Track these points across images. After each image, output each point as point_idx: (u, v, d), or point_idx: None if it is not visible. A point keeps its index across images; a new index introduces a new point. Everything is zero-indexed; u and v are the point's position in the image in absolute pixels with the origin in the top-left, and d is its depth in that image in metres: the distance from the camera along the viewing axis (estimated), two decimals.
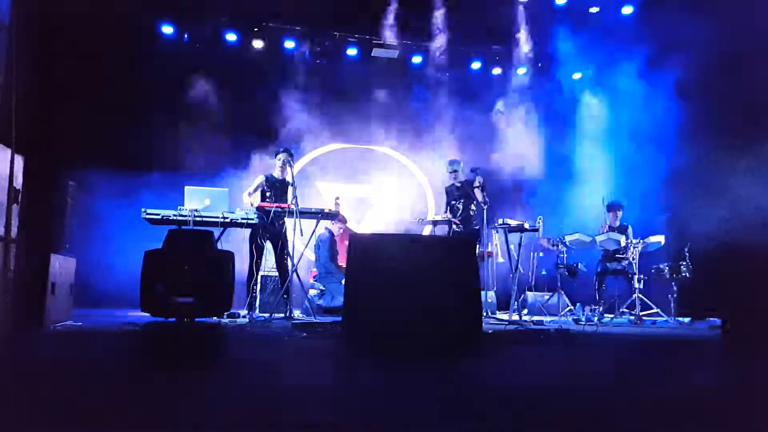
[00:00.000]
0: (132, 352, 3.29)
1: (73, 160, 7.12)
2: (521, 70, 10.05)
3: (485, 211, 6.00)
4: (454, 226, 6.34)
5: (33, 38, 4.78)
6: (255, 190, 5.90)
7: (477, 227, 6.22)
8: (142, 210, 5.38)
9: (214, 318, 5.10)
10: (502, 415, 1.78)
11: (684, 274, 6.28)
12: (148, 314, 4.05)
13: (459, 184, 6.47)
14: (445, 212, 6.58)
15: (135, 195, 7.34)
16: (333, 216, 6.14)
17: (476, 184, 6.12)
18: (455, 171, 6.50)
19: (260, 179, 5.95)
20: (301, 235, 5.39)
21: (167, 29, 8.66)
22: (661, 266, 6.52)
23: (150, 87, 7.97)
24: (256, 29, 8.97)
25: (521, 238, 6.59)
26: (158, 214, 5.37)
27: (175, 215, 5.39)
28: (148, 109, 7.94)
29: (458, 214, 6.41)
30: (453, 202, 6.51)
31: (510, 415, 1.78)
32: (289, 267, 5.61)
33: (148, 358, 2.96)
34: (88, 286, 6.55)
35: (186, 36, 8.80)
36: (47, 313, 4.03)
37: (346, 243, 6.56)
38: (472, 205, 6.32)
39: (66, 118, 6.69)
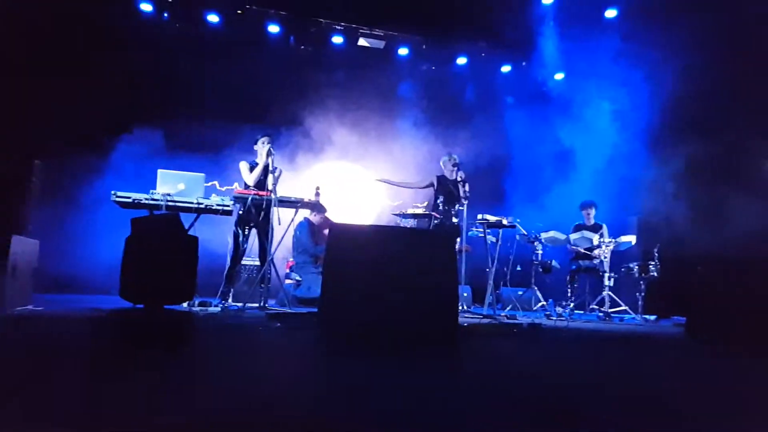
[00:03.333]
0: (93, 338, 3.19)
1: (41, 139, 6.86)
2: (505, 68, 10.13)
3: (465, 207, 6.02)
4: (435, 221, 6.33)
5: None
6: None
7: (458, 222, 6.23)
8: (112, 192, 5.16)
9: (185, 305, 5.00)
10: (478, 405, 1.78)
11: (652, 274, 6.45)
12: (119, 299, 3.95)
13: (453, 179, 6.44)
14: (436, 203, 6.53)
15: (105, 177, 7.13)
16: (313, 206, 6.07)
17: (459, 178, 6.12)
18: (456, 165, 6.40)
19: (244, 165, 5.84)
20: (279, 223, 5.31)
21: (146, 7, 8.40)
22: (631, 265, 6.67)
23: (126, 67, 7.70)
24: (239, 11, 8.77)
25: (499, 233, 6.66)
26: (129, 197, 5.18)
27: (146, 199, 5.19)
28: (123, 91, 7.68)
29: (444, 208, 6.40)
30: (442, 197, 6.45)
31: (486, 406, 1.78)
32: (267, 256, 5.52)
33: (112, 345, 2.88)
34: (52, 270, 6.33)
35: (166, 15, 8.55)
36: (5, 297, 3.86)
37: (326, 233, 6.54)
38: (461, 200, 6.28)
39: (34, 97, 6.43)
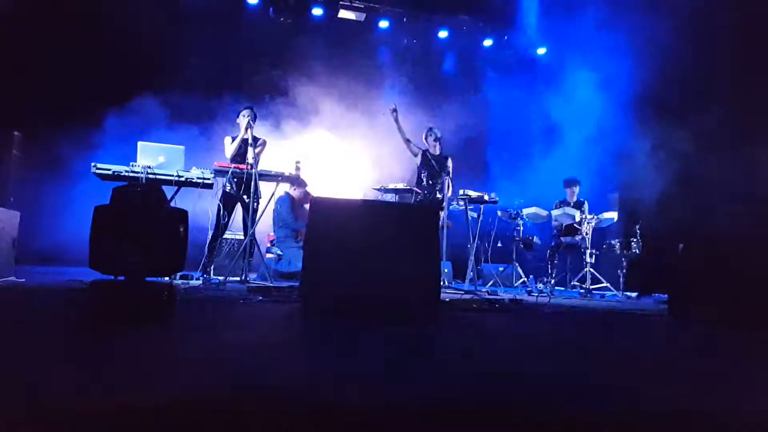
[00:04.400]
0: (72, 309, 3.15)
1: (21, 110, 6.70)
2: (487, 42, 10.04)
3: (447, 182, 6.02)
4: (418, 197, 6.32)
5: None
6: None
7: (441, 197, 6.23)
8: (92, 164, 5.10)
9: (166, 278, 4.96)
10: (456, 375, 1.80)
11: (634, 251, 6.53)
12: (97, 272, 3.88)
13: (436, 154, 6.43)
14: (419, 178, 6.52)
15: (86, 148, 7.00)
16: (293, 180, 6.03)
17: (449, 163, 6.18)
18: (438, 140, 6.42)
19: (227, 139, 5.82)
20: (260, 197, 5.27)
21: None
22: (613, 242, 6.75)
23: (105, 37, 7.48)
24: None
25: (480, 209, 6.68)
26: (109, 170, 5.11)
27: (127, 171, 5.14)
28: (101, 61, 7.48)
29: (428, 183, 6.40)
30: (424, 172, 6.46)
31: (467, 376, 1.80)
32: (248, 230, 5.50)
33: (90, 316, 2.84)
34: (33, 242, 6.27)
35: None
36: None
37: (306, 207, 6.50)
38: (443, 175, 6.27)
39: (13, 66, 6.26)
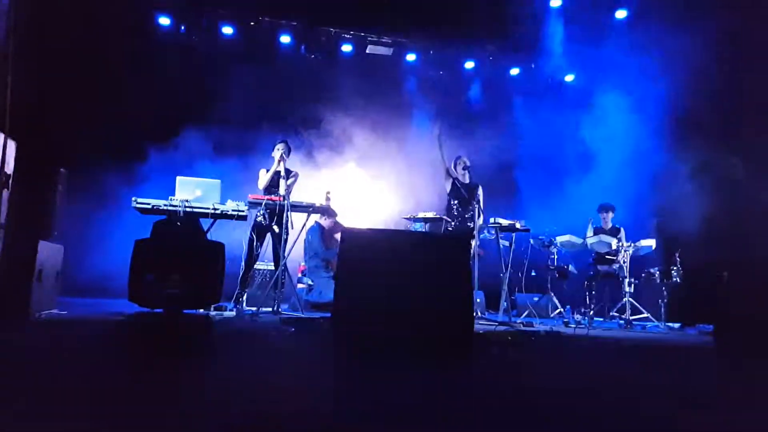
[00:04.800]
0: (118, 342, 3.22)
1: (66, 146, 7.02)
2: (514, 71, 10.09)
3: (477, 210, 5.98)
4: (448, 225, 6.29)
5: (31, 21, 4.68)
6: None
7: (471, 226, 6.16)
8: (133, 199, 5.29)
9: (202, 311, 5.03)
10: (494, 416, 1.75)
11: (675, 279, 6.30)
12: (135, 304, 3.98)
13: (467, 183, 6.42)
14: (450, 206, 6.50)
15: (126, 184, 7.28)
16: (324, 210, 6.10)
17: (480, 192, 6.18)
18: (467, 168, 6.42)
19: (262, 171, 5.99)
20: (291, 227, 5.36)
21: (164, 20, 8.63)
22: (652, 270, 6.53)
23: (149, 76, 7.88)
24: (252, 23, 8.93)
25: (512, 237, 6.58)
26: (148, 204, 5.29)
27: (165, 205, 5.30)
28: (145, 101, 7.83)
29: (459, 211, 6.37)
30: (455, 201, 6.44)
31: (503, 416, 1.75)
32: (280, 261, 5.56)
33: (135, 349, 2.90)
34: (75, 275, 6.49)
35: (182, 28, 8.76)
36: (32, 301, 3.94)
37: (337, 237, 6.54)
38: (473, 203, 6.23)
39: (61, 104, 6.58)
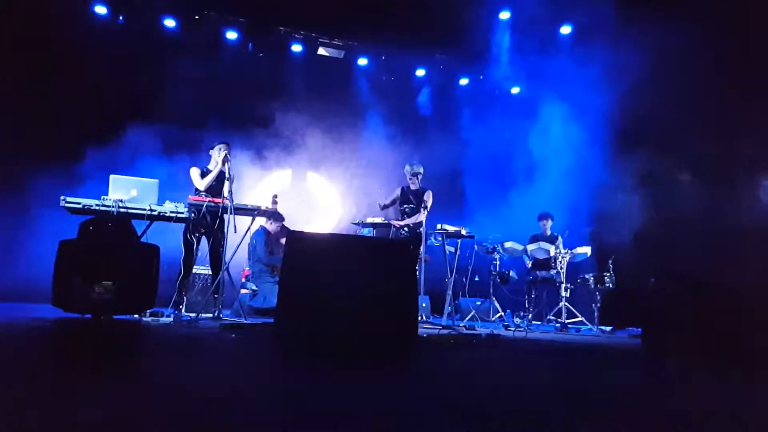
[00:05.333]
0: (40, 350, 3.01)
1: None
2: (463, 81, 10.32)
3: (424, 216, 6.04)
4: (400, 231, 6.31)
5: None
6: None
7: (420, 232, 6.21)
8: (62, 198, 4.98)
9: (135, 316, 4.80)
10: (434, 415, 1.75)
11: (608, 285, 6.60)
12: (60, 309, 3.74)
13: (415, 189, 6.46)
14: (402, 213, 6.53)
15: (59, 184, 6.85)
16: (270, 214, 5.98)
17: (428, 197, 6.22)
18: (416, 175, 6.43)
19: (195, 170, 5.70)
20: (235, 231, 5.19)
21: (100, 9, 8.18)
22: (587, 276, 6.82)
23: (77, 70, 7.42)
24: (197, 17, 8.65)
25: (458, 243, 6.70)
26: (79, 203, 4.99)
27: (97, 205, 5.02)
28: (72, 94, 7.40)
29: (407, 218, 6.41)
30: (405, 206, 6.48)
31: (443, 415, 1.75)
32: (221, 265, 5.38)
33: (58, 358, 2.71)
34: None
35: (120, 18, 8.34)
36: None
37: (283, 242, 6.42)
38: (421, 209, 6.28)
39: None
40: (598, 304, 6.69)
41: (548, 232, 7.42)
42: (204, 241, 5.54)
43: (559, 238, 7.28)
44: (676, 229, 6.42)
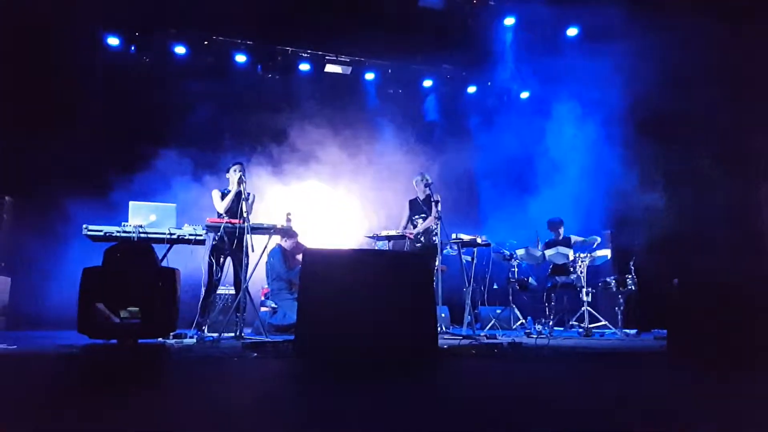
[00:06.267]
0: (69, 376, 3.07)
1: (11, 173, 6.76)
2: (471, 89, 10.35)
3: (439, 226, 6.04)
4: (409, 242, 6.32)
5: None
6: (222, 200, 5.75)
7: (435, 242, 6.21)
8: (84, 226, 5.12)
9: (159, 339, 4.87)
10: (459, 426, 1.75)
11: (630, 287, 6.49)
12: (86, 335, 3.81)
13: (423, 198, 6.48)
14: (406, 226, 6.55)
15: (80, 210, 7.02)
16: (284, 231, 6.04)
17: (436, 198, 6.16)
18: (428, 185, 6.42)
19: (216, 193, 5.83)
20: (252, 251, 5.26)
21: (113, 41, 8.42)
22: (608, 279, 6.72)
23: (94, 101, 7.66)
24: (206, 42, 8.85)
25: (474, 252, 6.67)
26: (100, 231, 5.13)
27: (118, 231, 5.15)
28: (92, 124, 7.61)
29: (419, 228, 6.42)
30: (416, 217, 6.51)
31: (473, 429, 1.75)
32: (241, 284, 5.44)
33: (88, 383, 2.77)
34: (24, 307, 6.19)
35: (133, 48, 8.58)
36: None
37: (299, 257, 6.47)
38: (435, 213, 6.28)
39: (4, 130, 6.36)
40: (621, 307, 6.57)
41: (561, 237, 7.32)
42: (226, 261, 5.63)
43: (572, 237, 7.14)
44: (705, 229, 6.31)
